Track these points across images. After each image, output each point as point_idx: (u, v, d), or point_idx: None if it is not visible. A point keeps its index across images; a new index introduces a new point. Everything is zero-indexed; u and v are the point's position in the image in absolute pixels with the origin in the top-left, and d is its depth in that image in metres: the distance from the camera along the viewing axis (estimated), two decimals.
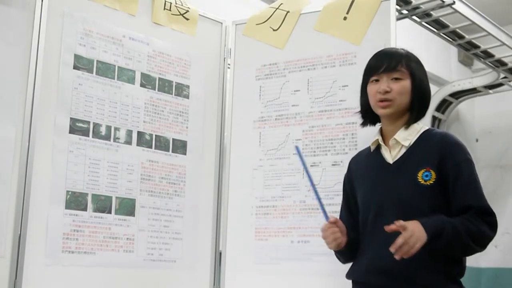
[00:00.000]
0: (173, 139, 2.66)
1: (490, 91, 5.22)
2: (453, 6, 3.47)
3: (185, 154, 2.69)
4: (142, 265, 2.50)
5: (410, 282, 1.83)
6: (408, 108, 1.96)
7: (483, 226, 1.81)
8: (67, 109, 2.37)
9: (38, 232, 2.24)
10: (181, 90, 2.72)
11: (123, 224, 2.47)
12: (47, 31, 2.33)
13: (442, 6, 3.49)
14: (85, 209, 2.37)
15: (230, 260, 2.65)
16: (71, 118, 2.38)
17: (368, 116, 2.07)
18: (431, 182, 1.85)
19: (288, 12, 2.75)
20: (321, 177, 2.54)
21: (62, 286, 2.29)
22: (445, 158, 1.86)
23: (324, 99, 2.60)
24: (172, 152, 2.65)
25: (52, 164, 2.31)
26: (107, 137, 2.47)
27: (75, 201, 2.35)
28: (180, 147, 2.68)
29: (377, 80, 1.97)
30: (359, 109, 2.42)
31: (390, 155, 1.97)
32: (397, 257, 1.73)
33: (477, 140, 5.72)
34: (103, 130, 2.46)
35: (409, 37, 4.41)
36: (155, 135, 2.61)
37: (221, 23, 2.88)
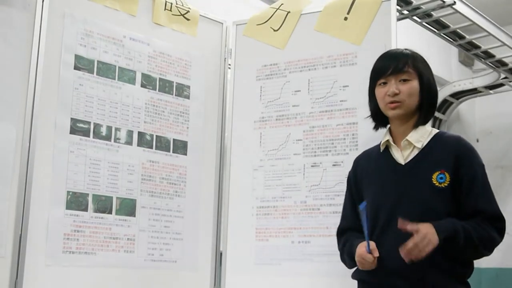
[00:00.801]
0: (173, 139, 2.66)
1: (491, 91, 5.22)
2: (454, 6, 3.47)
3: (185, 154, 2.69)
4: (142, 265, 2.50)
5: (421, 283, 1.84)
6: (417, 108, 1.97)
7: (492, 232, 1.83)
8: (68, 109, 2.37)
9: (39, 233, 2.24)
10: (181, 91, 2.72)
11: (124, 224, 2.47)
12: (47, 32, 2.33)
13: (442, 6, 3.49)
14: (85, 209, 2.37)
15: (231, 260, 2.65)
16: (71, 119, 2.38)
17: (379, 119, 2.08)
18: (446, 184, 1.87)
19: (288, 12, 2.75)
20: (322, 178, 2.53)
21: (63, 287, 2.29)
22: (461, 162, 1.88)
23: (325, 100, 2.60)
24: (173, 152, 2.65)
25: (52, 165, 2.31)
26: (107, 138, 2.47)
27: (76, 202, 2.35)
28: (180, 147, 2.68)
29: (385, 83, 1.98)
30: (359, 109, 2.43)
31: (402, 156, 1.96)
32: (406, 260, 1.74)
33: (477, 141, 5.71)
34: (103, 131, 2.46)
35: (410, 37, 4.41)
36: (156, 136, 2.61)
37: (222, 23, 2.88)
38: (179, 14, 2.75)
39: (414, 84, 1.96)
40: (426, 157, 1.93)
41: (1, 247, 2.14)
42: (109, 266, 2.40)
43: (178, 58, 2.72)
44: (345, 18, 2.60)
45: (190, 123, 2.72)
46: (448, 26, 3.89)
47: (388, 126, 2.08)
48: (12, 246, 2.16)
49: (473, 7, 3.72)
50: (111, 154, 2.47)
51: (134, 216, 2.50)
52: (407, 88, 1.95)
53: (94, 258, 2.37)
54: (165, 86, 2.67)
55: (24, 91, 2.26)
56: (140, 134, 2.56)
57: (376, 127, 2.12)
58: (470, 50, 4.32)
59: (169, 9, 2.71)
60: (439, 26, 3.88)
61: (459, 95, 5.30)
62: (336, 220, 2.46)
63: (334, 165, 2.53)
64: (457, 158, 1.88)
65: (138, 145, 2.55)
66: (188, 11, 2.77)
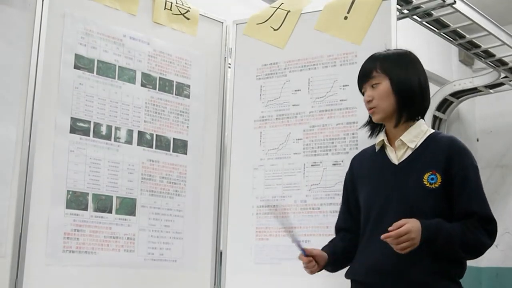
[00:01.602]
0: (173, 138, 2.66)
1: (491, 90, 5.21)
2: (454, 5, 3.47)
3: (185, 153, 2.69)
4: (142, 264, 2.50)
5: (408, 282, 1.84)
6: (397, 108, 1.95)
7: (482, 235, 1.82)
8: (68, 108, 2.37)
9: (39, 232, 2.24)
10: (181, 90, 2.72)
11: (124, 223, 2.47)
12: (47, 31, 2.33)
13: (442, 5, 3.49)
14: (85, 208, 2.37)
15: (231, 259, 2.65)
16: (71, 118, 2.38)
17: (371, 125, 2.09)
18: (437, 185, 1.86)
19: (288, 11, 2.75)
20: (322, 177, 2.53)
21: (63, 286, 2.29)
22: (452, 162, 1.87)
23: (325, 99, 2.60)
24: (173, 151, 2.65)
25: (52, 164, 2.31)
26: (107, 137, 2.47)
27: (76, 201, 2.35)
28: (180, 146, 2.68)
29: (365, 91, 2.02)
30: (359, 108, 2.44)
31: (396, 156, 1.97)
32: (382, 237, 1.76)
33: (477, 140, 5.71)
34: (103, 130, 2.46)
35: (410, 36, 4.41)
36: (156, 135, 2.61)
37: (222, 22, 2.88)
38: (179, 13, 2.75)
39: (383, 86, 1.96)
40: (418, 158, 1.92)
41: (1, 247, 2.14)
42: (109, 265, 2.40)
43: (178, 57, 2.72)
44: (345, 18, 2.60)
45: (190, 122, 2.72)
46: (448, 26, 3.89)
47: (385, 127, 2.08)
48: (12, 245, 2.16)
49: (473, 7, 3.72)
50: (111, 154, 2.47)
51: (134, 215, 2.50)
52: (377, 93, 1.96)
53: (94, 258, 2.37)
54: (165, 86, 2.67)
55: (24, 90, 2.26)
56: (140, 134, 2.56)
57: (370, 135, 2.11)
58: (470, 50, 4.31)
59: (169, 8, 2.71)
60: (439, 25, 3.88)
61: (459, 95, 5.29)
62: (336, 220, 2.46)
63: (334, 164, 2.53)
64: (448, 159, 1.87)
65: (138, 144, 2.55)
66: (188, 11, 2.77)
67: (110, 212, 2.43)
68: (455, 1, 3.43)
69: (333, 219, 2.45)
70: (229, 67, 2.85)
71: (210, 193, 2.73)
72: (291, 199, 2.58)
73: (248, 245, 2.62)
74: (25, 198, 2.21)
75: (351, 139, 2.51)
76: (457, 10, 3.55)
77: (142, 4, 2.64)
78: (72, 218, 2.33)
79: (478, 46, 4.28)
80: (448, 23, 3.87)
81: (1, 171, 2.18)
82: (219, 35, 2.86)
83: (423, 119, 2.02)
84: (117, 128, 2.50)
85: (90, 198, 2.39)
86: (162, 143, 2.62)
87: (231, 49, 2.86)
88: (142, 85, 2.60)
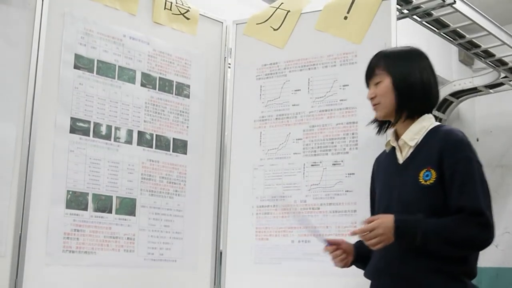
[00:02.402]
0: (173, 138, 2.66)
1: (491, 90, 5.21)
2: (454, 5, 3.47)
3: (185, 153, 2.69)
4: (142, 264, 2.50)
5: (412, 283, 1.83)
6: (398, 105, 1.95)
7: (473, 229, 1.77)
8: (68, 108, 2.37)
9: (39, 232, 2.24)
10: (181, 90, 2.72)
11: (124, 223, 2.47)
12: (47, 31, 2.33)
13: (442, 5, 3.49)
14: (85, 208, 2.37)
15: (231, 259, 2.65)
16: (71, 118, 2.38)
17: (378, 123, 2.09)
18: (431, 182, 1.83)
19: (288, 11, 2.75)
20: (322, 177, 2.53)
21: (63, 286, 2.29)
22: (444, 156, 1.83)
23: (325, 99, 2.60)
24: (173, 151, 2.65)
25: (52, 164, 2.31)
26: (107, 137, 2.47)
27: (76, 201, 2.35)
28: (180, 146, 2.68)
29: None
30: (359, 108, 2.44)
31: (401, 155, 1.97)
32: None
33: (477, 140, 5.71)
34: (103, 130, 2.46)
35: (410, 36, 4.40)
36: (156, 135, 2.61)
37: (222, 22, 2.88)
38: (179, 13, 2.75)
39: (385, 83, 1.96)
40: (417, 155, 1.91)
41: (1, 246, 2.14)
42: (109, 265, 2.40)
43: (178, 57, 2.72)
44: (345, 17, 2.60)
45: (190, 122, 2.72)
46: (448, 25, 3.89)
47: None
48: (12, 245, 2.16)
49: (473, 6, 3.71)
50: (111, 153, 2.47)
51: (134, 215, 2.50)
52: (379, 90, 1.98)
53: (94, 257, 2.37)
54: (165, 85, 2.67)
55: (24, 90, 2.26)
56: (140, 133, 2.56)
57: (378, 132, 2.11)
58: (470, 49, 4.31)
59: (169, 8, 2.71)
60: (439, 25, 3.88)
61: (459, 94, 5.29)
62: (336, 219, 2.47)
63: (334, 164, 2.53)
64: (441, 153, 1.84)
65: (138, 144, 2.55)
66: (188, 10, 2.77)
67: (110, 212, 2.43)
68: (455, 1, 3.43)
69: (333, 219, 2.47)
70: (229, 67, 2.85)
71: (210, 193, 2.73)
72: (291, 199, 2.58)
73: (248, 245, 2.62)
74: (25, 198, 2.21)
75: (351, 139, 2.51)
76: (457, 10, 3.55)
77: (142, 4, 2.64)
78: (72, 218, 2.33)
79: (478, 46, 4.28)
80: (448, 23, 3.87)
81: (1, 171, 2.17)
82: (219, 35, 2.86)
83: (431, 113, 1.98)
84: (117, 128, 2.50)
85: (90, 198, 2.39)
86: (162, 143, 2.62)
87: (231, 49, 2.85)
88: (142, 85, 2.60)
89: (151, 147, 2.59)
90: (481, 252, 1.89)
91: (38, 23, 2.31)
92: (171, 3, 2.72)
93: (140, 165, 2.54)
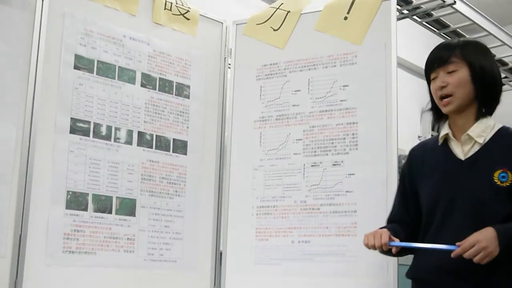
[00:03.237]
0: (173, 139, 2.66)
1: None
2: (454, 6, 3.46)
3: (185, 154, 2.69)
4: (142, 265, 2.50)
5: (479, 283, 1.75)
6: (473, 99, 1.86)
7: None
8: (68, 109, 2.37)
9: (39, 232, 2.24)
10: (181, 90, 2.72)
11: (124, 224, 2.47)
12: (47, 31, 2.33)
13: (442, 6, 3.48)
14: (85, 209, 2.37)
15: (231, 260, 2.65)
16: (71, 118, 2.38)
17: (438, 114, 1.97)
18: (508, 183, 1.76)
19: (288, 12, 2.74)
20: (322, 177, 2.53)
21: (63, 286, 2.29)
22: None
23: (325, 99, 2.60)
24: (173, 152, 2.65)
25: (52, 164, 2.31)
26: (107, 137, 2.47)
27: (76, 201, 2.35)
28: (180, 147, 2.68)
29: (435, 78, 1.90)
30: (359, 109, 2.43)
31: (462, 151, 1.87)
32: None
33: None
34: (103, 130, 2.46)
35: (410, 37, 4.41)
36: (156, 135, 2.61)
37: (222, 23, 2.88)
38: (179, 13, 2.75)
39: (462, 73, 1.85)
40: (488, 154, 1.82)
41: (1, 247, 2.14)
42: (109, 265, 2.40)
43: (178, 57, 2.72)
44: (345, 18, 2.60)
45: (190, 122, 2.72)
46: (448, 26, 3.89)
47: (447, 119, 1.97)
48: (12, 245, 2.16)
49: (473, 7, 3.71)
50: (111, 154, 2.47)
51: (134, 215, 2.50)
52: (455, 79, 1.85)
53: (94, 258, 2.37)
54: (165, 86, 2.67)
55: (24, 90, 2.26)
56: (140, 134, 2.56)
57: (436, 122, 1.99)
58: None
59: (169, 8, 2.71)
60: (439, 25, 3.88)
61: None
62: (336, 220, 2.47)
63: (334, 164, 2.53)
64: None
65: (138, 144, 2.55)
66: (188, 11, 2.77)
67: (110, 212, 2.43)
68: (455, 2, 3.43)
69: (333, 219, 2.46)
70: (229, 67, 2.85)
71: (210, 193, 2.73)
72: (291, 200, 2.58)
73: (248, 246, 2.62)
74: (25, 199, 2.21)
75: (351, 140, 2.51)
76: (457, 11, 3.55)
77: (142, 4, 2.64)
78: (72, 218, 2.33)
79: None
80: (448, 23, 3.87)
81: (1, 171, 2.17)
82: (219, 35, 2.86)
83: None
84: (117, 129, 2.50)
85: (90, 198, 2.39)
86: (162, 144, 2.62)
87: (231, 49, 2.85)
88: (142, 85, 2.60)
89: (151, 147, 2.59)
90: None
91: (38, 23, 2.31)
92: (171, 3, 2.72)
93: (140, 166, 2.54)
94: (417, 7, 3.52)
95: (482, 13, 3.82)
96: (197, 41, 2.78)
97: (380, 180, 2.39)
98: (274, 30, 2.76)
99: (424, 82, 2.04)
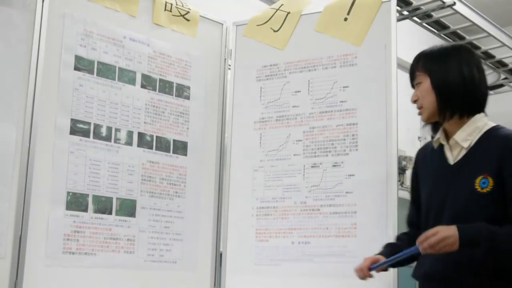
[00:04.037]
0: (173, 140, 2.66)
1: (491, 92, 5.19)
2: (454, 7, 3.47)
3: (185, 155, 2.69)
4: (142, 266, 2.50)
5: (461, 286, 1.78)
6: (440, 105, 1.87)
7: None
8: (68, 110, 2.37)
9: (39, 233, 2.24)
10: (181, 91, 2.72)
11: (124, 225, 2.47)
12: (47, 32, 2.33)
13: (442, 7, 3.48)
14: (85, 210, 2.37)
15: (231, 261, 2.65)
16: (71, 119, 2.38)
17: (431, 123, 1.99)
18: (488, 189, 1.76)
19: (288, 13, 2.75)
20: (322, 178, 2.53)
21: (63, 287, 2.29)
22: (505, 164, 1.76)
23: (325, 100, 2.60)
24: (173, 153, 2.65)
25: (52, 165, 2.31)
26: (107, 138, 2.47)
27: (76, 202, 2.35)
28: (180, 148, 2.68)
29: None
30: (359, 110, 2.43)
31: (452, 155, 1.89)
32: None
33: None
34: (103, 131, 2.46)
35: (410, 38, 4.41)
36: (156, 136, 2.61)
37: (222, 24, 2.88)
38: (179, 14, 2.75)
39: (425, 85, 1.89)
40: (472, 159, 1.83)
41: (1, 248, 2.14)
42: (109, 266, 2.40)
43: (178, 58, 2.72)
44: (345, 19, 2.60)
45: (190, 123, 2.72)
46: (448, 27, 3.89)
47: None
48: (12, 246, 2.16)
49: (473, 8, 3.71)
50: (111, 155, 2.47)
51: (134, 216, 2.50)
52: (419, 91, 1.91)
53: (94, 259, 2.37)
54: (165, 87, 2.67)
55: (24, 91, 2.26)
56: (140, 135, 2.56)
57: (434, 131, 1.99)
58: None
59: (169, 9, 2.71)
60: (439, 26, 3.88)
61: None
62: (336, 221, 2.47)
63: (334, 165, 2.53)
64: (501, 160, 1.76)
65: (138, 145, 2.55)
66: (188, 12, 2.77)
67: (110, 213, 2.43)
68: (455, 3, 3.43)
69: (333, 220, 2.47)
70: (229, 68, 2.85)
71: (210, 194, 2.73)
72: (291, 201, 2.58)
73: (248, 247, 2.62)
74: (25, 199, 2.21)
75: (351, 141, 2.51)
76: (457, 12, 3.55)
77: (142, 5, 2.64)
78: (72, 219, 2.33)
79: (478, 48, 4.27)
80: (448, 24, 3.87)
81: (1, 172, 2.17)
82: (219, 36, 2.86)
83: (483, 112, 1.90)
84: (117, 130, 2.50)
85: (90, 199, 2.39)
86: (162, 144, 2.62)
87: (231, 50, 2.86)
88: (142, 86, 2.60)
89: (151, 148, 2.59)
90: None
91: (38, 24, 2.31)
92: (171, 4, 2.72)
93: (140, 167, 2.54)
94: (417, 8, 3.52)
95: (482, 14, 3.82)
96: (197, 42, 2.79)
97: (380, 180, 2.40)
98: (274, 31, 2.76)
99: None
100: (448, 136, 1.91)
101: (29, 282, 2.19)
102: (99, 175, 2.42)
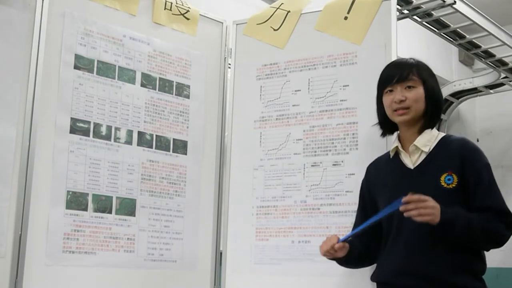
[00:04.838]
0: (173, 139, 2.66)
1: (491, 91, 5.21)
2: (454, 6, 3.47)
3: (185, 154, 2.69)
4: (142, 265, 2.50)
5: (438, 282, 1.88)
6: (423, 114, 2.03)
7: (499, 225, 1.88)
8: (68, 109, 2.37)
9: (39, 232, 2.24)
10: (181, 90, 2.72)
11: (124, 224, 2.46)
12: (47, 31, 2.33)
13: (443, 6, 3.49)
14: (85, 209, 2.37)
15: (231, 260, 2.65)
16: (71, 118, 2.38)
17: (386, 126, 2.14)
18: (454, 185, 1.92)
19: (288, 12, 2.74)
20: (322, 177, 2.53)
21: (63, 286, 2.29)
22: (466, 163, 1.94)
23: (325, 99, 2.60)
24: (173, 152, 2.65)
25: (52, 164, 2.31)
26: (107, 137, 2.47)
27: (76, 201, 2.35)
28: (180, 147, 2.68)
29: (391, 91, 2.05)
30: (359, 109, 2.43)
31: (411, 161, 2.02)
32: (401, 208, 1.81)
33: (478, 140, 5.71)
34: (103, 130, 2.46)
35: (410, 37, 4.41)
36: (156, 135, 2.61)
37: (222, 23, 2.88)
38: (179, 13, 2.75)
39: (419, 90, 2.02)
40: (433, 160, 1.98)
41: (1, 247, 2.14)
42: (109, 265, 2.40)
43: (178, 57, 2.72)
44: (345, 18, 2.60)
45: (190, 122, 2.72)
46: (448, 26, 3.89)
47: (397, 132, 2.13)
48: (12, 245, 2.16)
49: (473, 7, 3.72)
50: (111, 154, 2.47)
51: (134, 215, 2.50)
52: (413, 95, 2.01)
53: (94, 258, 2.37)
54: (165, 86, 2.67)
55: (24, 90, 2.25)
56: (140, 134, 2.56)
57: (383, 134, 2.17)
58: (470, 50, 4.32)
59: (169, 8, 2.71)
60: (439, 25, 3.88)
61: (459, 95, 5.30)
62: (336, 220, 2.47)
63: (334, 164, 2.52)
64: (462, 160, 1.94)
65: (138, 144, 2.55)
66: (188, 11, 2.77)
67: (110, 212, 2.43)
68: (455, 1, 3.43)
69: (333, 219, 2.46)
70: (229, 67, 2.85)
71: (210, 193, 2.73)
72: (291, 200, 2.58)
73: (248, 246, 2.62)
74: (25, 199, 2.21)
75: (351, 140, 2.51)
76: (457, 11, 3.55)
77: (142, 4, 2.64)
78: (72, 218, 2.33)
79: (478, 46, 4.28)
80: (448, 23, 3.87)
81: (1, 171, 2.17)
82: (219, 35, 2.86)
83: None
84: (117, 129, 2.50)
85: (90, 198, 2.39)
86: (162, 144, 2.62)
87: (231, 49, 2.85)
88: (142, 85, 2.60)
89: (151, 147, 2.59)
90: None
91: (38, 23, 2.31)
92: (171, 3, 2.72)
93: (140, 166, 2.54)
94: (417, 7, 3.52)
95: (482, 13, 3.82)
96: (197, 41, 2.78)
97: None
98: (274, 30, 2.76)
99: None
100: (403, 145, 2.06)
101: (29, 281, 2.19)
102: (99, 174, 2.42)
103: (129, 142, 2.53)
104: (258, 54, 2.77)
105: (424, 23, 3.77)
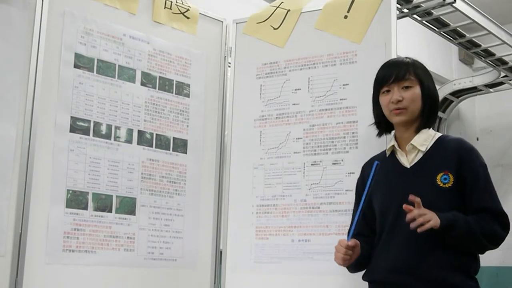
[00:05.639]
0: (173, 138, 2.66)
1: (491, 90, 5.21)
2: (454, 4, 3.47)
3: (185, 153, 2.69)
4: (142, 264, 2.50)
5: (432, 280, 1.88)
6: (420, 113, 2.04)
7: (495, 226, 1.89)
8: (68, 108, 2.37)
9: (39, 231, 2.24)
10: (181, 89, 2.72)
11: (124, 223, 2.47)
12: (47, 30, 2.33)
13: (442, 4, 3.49)
14: (85, 208, 2.37)
15: (231, 259, 2.65)
16: (71, 117, 2.38)
17: (383, 125, 2.14)
18: (450, 185, 1.93)
19: (288, 10, 2.74)
20: (322, 176, 2.53)
21: (63, 285, 2.29)
22: (463, 162, 1.95)
23: (325, 98, 2.60)
24: (173, 151, 2.65)
25: (52, 163, 2.31)
26: (107, 136, 2.47)
27: (76, 200, 2.35)
28: (180, 145, 2.68)
29: (388, 91, 2.05)
30: (359, 107, 2.43)
31: (407, 160, 2.03)
32: (412, 226, 1.81)
33: (477, 139, 5.71)
34: (103, 129, 2.46)
35: (410, 35, 4.41)
36: (156, 134, 2.61)
37: (222, 21, 2.88)
38: (179, 12, 2.75)
39: (416, 90, 2.03)
40: (430, 160, 1.99)
41: (1, 246, 2.14)
42: (109, 264, 2.40)
43: (178, 56, 2.72)
44: (345, 17, 2.60)
45: (190, 121, 2.72)
46: (448, 25, 3.89)
47: (393, 132, 2.13)
48: (12, 244, 2.16)
49: (473, 6, 3.72)
50: (111, 153, 2.47)
51: (134, 214, 2.50)
52: (410, 94, 2.02)
53: (94, 257, 2.37)
54: (165, 85, 2.67)
55: (24, 89, 2.25)
56: (140, 133, 2.56)
57: (379, 134, 2.18)
58: (470, 49, 4.32)
59: (169, 7, 2.71)
60: (439, 24, 3.88)
61: (459, 94, 5.29)
62: (336, 219, 2.47)
63: (334, 163, 2.53)
64: (459, 160, 1.95)
65: (138, 143, 2.55)
66: (188, 10, 2.77)
67: (110, 211, 2.43)
68: (455, 0, 3.43)
69: (333, 218, 2.47)
70: (229, 66, 2.85)
71: (210, 192, 2.73)
72: (291, 198, 2.58)
73: (248, 244, 2.62)
74: (25, 198, 2.21)
75: (351, 138, 2.51)
76: (457, 9, 3.55)
77: (142, 3, 2.63)
78: (72, 217, 2.33)
79: (478, 45, 4.28)
80: (448, 22, 3.87)
81: (1, 170, 2.17)
82: (219, 34, 2.86)
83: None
84: (117, 127, 2.50)
85: (90, 197, 2.39)
86: (162, 142, 2.62)
87: (231, 48, 2.85)
88: (142, 84, 2.60)
89: (151, 146, 2.59)
90: None
91: (38, 22, 2.31)
92: (171, 2, 2.72)
93: (140, 164, 2.54)
94: (417, 6, 3.52)
95: (482, 12, 3.82)
96: (197, 39, 2.78)
97: None
98: (274, 28, 2.76)
99: None
100: (400, 144, 2.07)
101: (29, 280, 2.19)
102: (99, 173, 2.42)
103: (129, 141, 2.53)
104: (258, 53, 2.77)
105: (424, 22, 3.77)
